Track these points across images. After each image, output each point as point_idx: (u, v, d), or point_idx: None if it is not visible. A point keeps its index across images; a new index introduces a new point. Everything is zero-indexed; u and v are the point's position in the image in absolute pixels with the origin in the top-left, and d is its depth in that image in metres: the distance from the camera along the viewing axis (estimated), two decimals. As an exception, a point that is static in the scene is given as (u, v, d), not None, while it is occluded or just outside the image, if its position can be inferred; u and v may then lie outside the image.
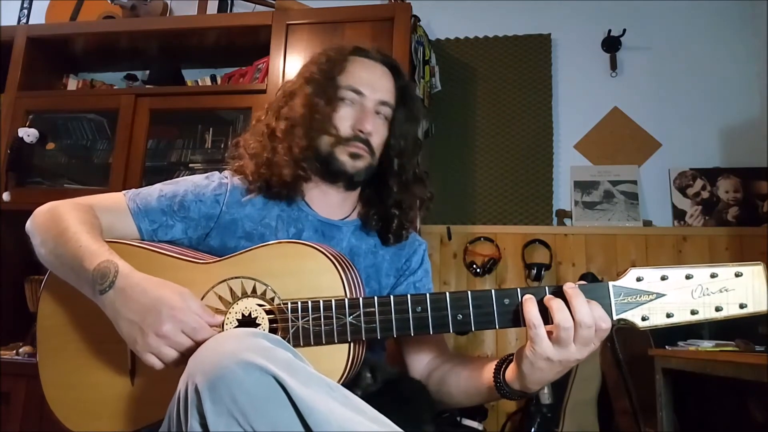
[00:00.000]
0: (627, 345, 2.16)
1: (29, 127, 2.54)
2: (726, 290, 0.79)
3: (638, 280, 0.81)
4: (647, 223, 2.55)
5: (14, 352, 2.27)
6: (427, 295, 0.88)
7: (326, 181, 1.14)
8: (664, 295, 0.80)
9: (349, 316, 0.88)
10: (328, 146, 1.11)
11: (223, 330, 0.89)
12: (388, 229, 1.16)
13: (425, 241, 1.28)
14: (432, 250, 2.62)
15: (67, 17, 2.91)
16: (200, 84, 2.71)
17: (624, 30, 2.68)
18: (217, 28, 2.57)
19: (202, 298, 0.93)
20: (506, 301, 0.85)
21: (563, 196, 2.66)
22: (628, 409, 2.15)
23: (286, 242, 0.97)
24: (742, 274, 0.79)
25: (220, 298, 0.93)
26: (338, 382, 0.83)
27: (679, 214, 2.55)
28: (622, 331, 2.13)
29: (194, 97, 2.55)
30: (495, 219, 2.67)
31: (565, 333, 0.79)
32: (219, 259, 0.98)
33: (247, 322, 0.91)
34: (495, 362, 0.94)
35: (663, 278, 0.80)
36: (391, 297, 0.88)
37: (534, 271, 2.50)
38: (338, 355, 0.88)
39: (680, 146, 2.61)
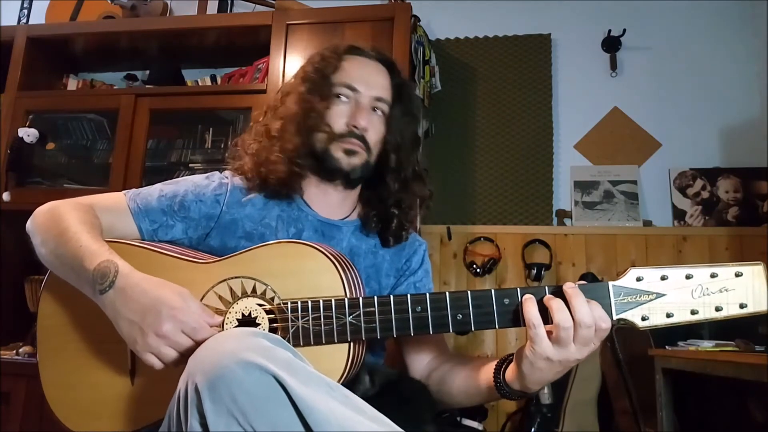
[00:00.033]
0: (627, 345, 2.16)
1: (29, 127, 2.54)
2: (726, 290, 0.79)
3: (638, 280, 0.81)
4: (647, 223, 2.55)
5: (14, 352, 2.28)
6: (427, 294, 0.88)
7: (324, 179, 1.14)
8: (664, 295, 0.80)
9: (349, 316, 0.88)
10: (323, 143, 1.11)
11: (223, 330, 0.89)
12: (387, 230, 1.16)
13: (425, 241, 1.28)
14: (432, 250, 2.62)
15: (67, 17, 2.91)
16: (200, 84, 2.71)
17: (624, 30, 2.68)
18: (217, 28, 2.57)
19: (202, 298, 0.93)
20: (506, 300, 0.85)
21: (563, 196, 2.66)
22: (628, 409, 2.15)
23: (286, 242, 0.97)
24: (742, 274, 0.79)
25: (220, 297, 0.93)
26: (338, 381, 0.83)
27: (679, 214, 2.55)
28: (622, 331, 2.13)
29: (194, 97, 2.56)
30: (495, 219, 2.67)
31: (564, 333, 0.79)
32: (219, 258, 0.98)
33: (247, 321, 0.91)
34: (495, 362, 0.94)
35: (663, 278, 0.80)
36: (391, 297, 0.88)
37: (534, 271, 2.50)
38: (338, 355, 0.88)
39: (680, 146, 2.61)
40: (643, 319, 0.81)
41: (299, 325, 0.89)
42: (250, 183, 1.13)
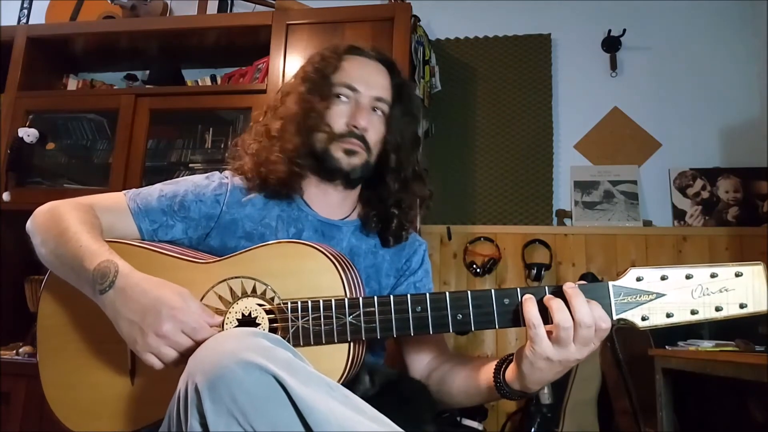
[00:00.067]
0: (627, 345, 2.16)
1: (29, 127, 2.54)
2: (726, 290, 0.79)
3: (638, 279, 0.81)
4: (647, 223, 2.55)
5: (14, 352, 2.28)
6: (427, 294, 0.88)
7: (324, 179, 1.14)
8: (664, 294, 0.80)
9: (349, 316, 0.88)
10: (322, 143, 1.11)
11: (223, 330, 0.89)
12: (387, 230, 1.15)
13: (425, 241, 1.28)
14: (432, 250, 2.62)
15: (67, 17, 2.91)
16: (200, 84, 2.71)
17: (624, 30, 2.68)
18: (217, 28, 2.57)
19: (202, 298, 0.93)
20: (506, 300, 0.85)
21: (563, 196, 2.66)
22: (628, 409, 2.15)
23: (286, 242, 0.97)
24: (742, 274, 0.79)
25: (220, 297, 0.93)
26: (338, 381, 0.82)
27: (679, 214, 2.55)
28: (622, 331, 2.13)
29: (194, 97, 2.56)
30: (495, 219, 2.67)
31: (564, 333, 0.79)
32: (219, 258, 0.98)
33: (247, 321, 0.91)
34: (495, 362, 0.94)
35: (663, 278, 0.80)
36: (391, 297, 0.88)
37: (534, 271, 2.50)
38: (338, 355, 0.88)
39: (680, 146, 2.61)
40: (643, 319, 0.81)
41: (299, 325, 0.89)
42: (250, 183, 1.13)
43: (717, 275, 0.79)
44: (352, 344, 0.89)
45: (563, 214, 2.62)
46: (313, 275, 0.91)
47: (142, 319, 0.84)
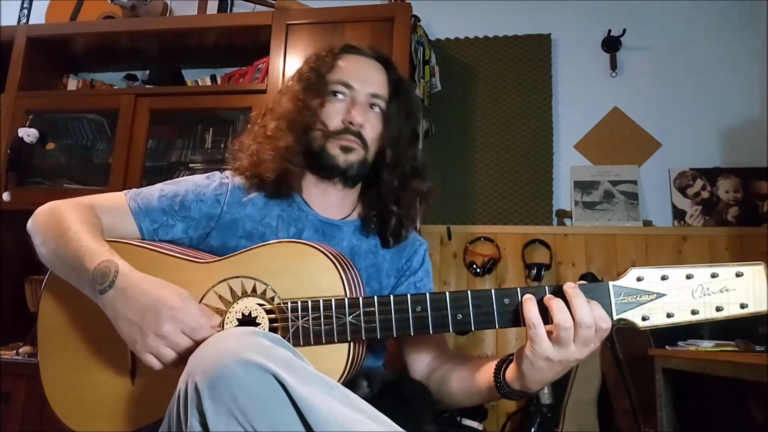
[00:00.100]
0: (627, 345, 2.16)
1: (29, 127, 2.54)
2: (727, 290, 0.79)
3: (638, 279, 0.81)
4: (647, 223, 2.55)
5: (14, 352, 2.28)
6: (427, 294, 0.87)
7: (323, 178, 1.14)
8: (664, 294, 0.80)
9: (349, 316, 0.88)
10: (319, 141, 1.11)
11: (223, 330, 0.89)
12: (387, 228, 1.15)
13: (426, 241, 1.28)
14: (432, 250, 2.62)
15: (67, 17, 2.91)
16: (200, 84, 2.71)
17: (624, 30, 2.68)
18: (217, 28, 2.57)
19: (202, 298, 0.93)
20: (506, 300, 0.84)
21: (563, 196, 2.66)
22: (628, 409, 2.15)
23: (286, 242, 0.97)
24: (742, 274, 0.79)
25: (220, 297, 0.93)
26: (338, 381, 0.82)
27: (679, 214, 2.55)
28: (622, 331, 2.13)
29: (194, 97, 2.56)
30: (495, 219, 2.67)
31: (565, 333, 0.79)
32: (219, 258, 0.98)
33: (248, 321, 0.91)
34: (495, 362, 0.94)
35: (663, 278, 0.80)
36: (391, 297, 0.88)
37: (534, 271, 2.50)
38: (338, 355, 0.88)
39: (680, 146, 2.61)
40: (644, 319, 0.81)
41: (299, 324, 0.88)
42: (250, 183, 1.13)
43: (717, 275, 0.79)
44: (352, 344, 0.89)
45: (563, 214, 2.62)
46: (313, 275, 0.91)
47: (141, 320, 0.84)
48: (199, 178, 1.16)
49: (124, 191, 1.13)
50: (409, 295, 0.88)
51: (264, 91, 2.35)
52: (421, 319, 0.87)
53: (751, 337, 1.75)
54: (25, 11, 3.13)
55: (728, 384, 1.79)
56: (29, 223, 1.05)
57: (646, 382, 2.00)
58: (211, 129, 2.63)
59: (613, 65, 2.70)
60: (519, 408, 2.39)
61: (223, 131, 2.61)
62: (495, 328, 0.86)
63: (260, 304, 0.91)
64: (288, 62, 2.36)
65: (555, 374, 0.84)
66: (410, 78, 2.32)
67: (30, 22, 3.07)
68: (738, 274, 0.79)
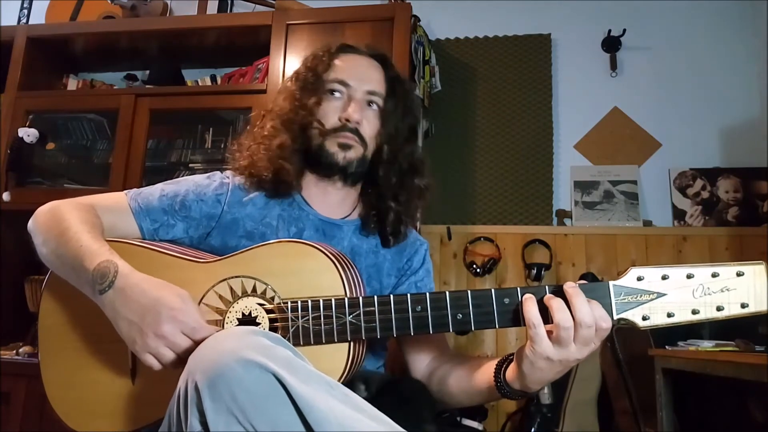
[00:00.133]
0: (627, 345, 2.16)
1: (29, 127, 2.54)
2: (727, 290, 0.79)
3: (639, 279, 0.81)
4: (647, 223, 2.55)
5: (14, 352, 2.28)
6: (427, 294, 0.87)
7: (323, 177, 1.14)
8: (664, 294, 0.80)
9: (349, 316, 0.88)
10: (317, 139, 1.11)
11: (223, 329, 0.89)
12: (385, 225, 1.15)
13: (426, 240, 1.28)
14: (432, 250, 2.61)
15: (67, 17, 2.91)
16: (200, 84, 2.71)
17: (624, 30, 2.68)
18: (217, 28, 2.57)
19: (202, 298, 0.93)
20: (506, 300, 0.84)
21: (563, 196, 2.66)
22: (628, 409, 2.15)
23: (287, 241, 0.97)
24: (743, 274, 0.79)
25: (220, 297, 0.93)
26: (338, 381, 0.82)
27: (679, 214, 2.55)
28: (622, 330, 2.13)
29: (194, 97, 2.56)
30: (495, 219, 2.67)
31: (565, 332, 0.79)
32: (219, 258, 0.98)
33: (248, 321, 0.91)
34: (495, 362, 0.94)
35: (664, 278, 0.80)
36: (391, 296, 0.88)
37: (534, 271, 2.50)
38: (338, 355, 0.88)
39: (680, 146, 2.61)
40: (644, 318, 0.81)
41: (299, 324, 0.88)
42: (250, 182, 1.13)
43: (718, 275, 0.79)
44: (352, 344, 0.89)
45: (563, 214, 2.62)
46: (314, 275, 0.91)
47: (141, 320, 0.84)
48: (199, 178, 1.16)
49: (125, 191, 1.13)
50: (409, 295, 0.88)
51: (264, 91, 2.35)
52: (421, 318, 0.87)
53: (751, 337, 1.75)
54: (25, 11, 3.13)
55: (728, 384, 1.79)
56: (30, 223, 1.05)
57: (646, 382, 2.00)
58: (211, 129, 2.63)
59: (613, 65, 2.70)
60: (519, 408, 2.39)
61: (223, 131, 2.61)
62: (495, 327, 0.86)
63: (260, 304, 0.91)
64: (288, 62, 2.36)
65: (555, 374, 0.84)
66: (410, 78, 2.32)
67: (30, 22, 3.07)
68: (739, 274, 0.79)
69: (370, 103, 1.14)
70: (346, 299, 0.88)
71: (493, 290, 0.85)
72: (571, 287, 0.80)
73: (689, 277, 0.80)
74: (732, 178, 2.53)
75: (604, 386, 2.24)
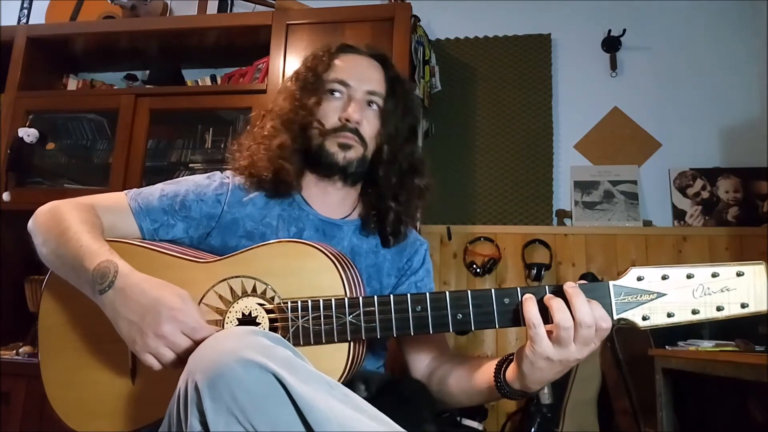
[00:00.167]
0: (627, 345, 2.16)
1: (29, 127, 2.54)
2: (727, 290, 0.79)
3: (639, 279, 0.81)
4: (647, 223, 2.55)
5: (14, 352, 2.28)
6: (427, 294, 0.87)
7: (323, 177, 1.14)
8: (664, 294, 0.80)
9: (349, 316, 0.88)
10: (317, 139, 1.12)
11: (223, 329, 0.89)
12: (385, 225, 1.15)
13: (426, 241, 1.28)
14: (432, 250, 2.61)
15: (67, 17, 2.91)
16: (200, 84, 2.71)
17: (624, 30, 2.68)
18: (217, 28, 2.57)
19: (202, 298, 0.93)
20: (506, 300, 0.84)
21: (563, 196, 2.66)
22: (628, 409, 2.15)
23: (287, 241, 0.97)
24: (743, 274, 0.79)
25: (220, 297, 0.93)
26: (338, 381, 0.82)
27: (679, 214, 2.55)
28: (622, 330, 2.13)
29: (194, 97, 2.56)
30: (495, 219, 2.67)
31: (565, 332, 0.79)
32: (219, 258, 0.98)
33: (248, 321, 0.91)
34: (495, 362, 0.94)
35: (664, 278, 0.80)
36: (391, 296, 0.88)
37: (534, 271, 2.50)
38: (338, 355, 0.88)
39: (680, 146, 2.61)
40: (644, 318, 0.81)
41: (299, 324, 0.88)
42: (250, 182, 1.13)
43: (718, 275, 0.79)
44: (352, 344, 0.89)
45: (563, 214, 2.62)
46: (314, 275, 0.91)
47: (141, 320, 0.84)
48: (199, 178, 1.16)
49: (125, 191, 1.13)
50: (409, 295, 0.88)
51: (264, 91, 2.35)
52: (421, 318, 0.87)
53: (751, 337, 1.75)
54: (25, 11, 3.13)
55: (728, 384, 1.79)
56: (30, 223, 1.05)
57: (646, 382, 2.00)
58: (211, 129, 2.63)
59: (613, 65, 2.70)
60: (519, 408, 2.39)
61: (223, 131, 2.61)
62: (495, 327, 0.86)
63: (260, 304, 0.91)
64: (288, 62, 2.36)
65: (555, 374, 0.84)
66: (410, 78, 2.32)
67: (30, 22, 3.07)
68: (739, 274, 0.79)
69: (370, 103, 1.14)
70: (346, 299, 0.88)
71: (493, 290, 0.85)
72: (571, 287, 0.80)
73: (689, 277, 0.80)
74: (732, 178, 2.53)
75: (604, 386, 2.24)
